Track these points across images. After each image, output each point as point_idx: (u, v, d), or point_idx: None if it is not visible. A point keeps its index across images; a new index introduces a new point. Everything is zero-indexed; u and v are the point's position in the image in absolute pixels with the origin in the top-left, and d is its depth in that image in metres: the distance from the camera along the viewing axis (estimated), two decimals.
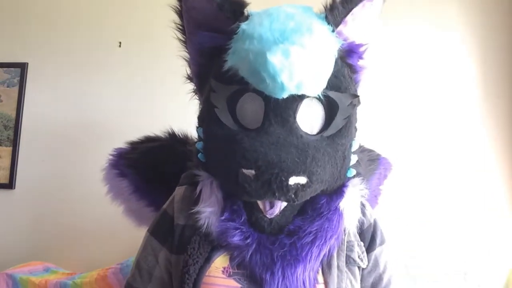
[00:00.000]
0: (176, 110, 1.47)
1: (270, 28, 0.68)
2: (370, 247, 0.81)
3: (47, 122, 1.72)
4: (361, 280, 0.80)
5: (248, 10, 0.74)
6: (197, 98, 0.88)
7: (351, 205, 0.75)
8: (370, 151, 1.15)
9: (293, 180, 0.64)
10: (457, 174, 1.54)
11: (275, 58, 0.64)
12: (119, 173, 1.00)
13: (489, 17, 1.61)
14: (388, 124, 1.57)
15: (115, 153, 1.02)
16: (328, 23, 0.71)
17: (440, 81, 1.60)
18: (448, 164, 1.55)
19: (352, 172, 0.77)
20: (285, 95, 0.67)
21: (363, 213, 0.81)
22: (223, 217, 0.72)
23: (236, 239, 0.70)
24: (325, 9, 0.73)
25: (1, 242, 1.67)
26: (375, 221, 0.84)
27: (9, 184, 1.68)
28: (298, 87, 0.66)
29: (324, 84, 0.70)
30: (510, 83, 1.58)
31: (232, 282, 0.71)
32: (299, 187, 0.65)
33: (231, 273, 0.71)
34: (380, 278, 0.82)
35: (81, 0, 1.78)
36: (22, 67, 1.75)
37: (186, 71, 0.87)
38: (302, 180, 0.65)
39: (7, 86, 1.75)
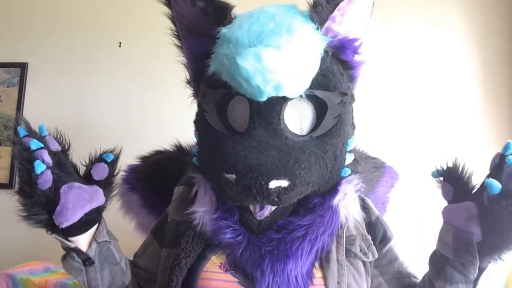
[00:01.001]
0: (176, 110, 1.47)
1: (248, 30, 0.67)
2: (385, 238, 0.80)
3: (47, 122, 1.71)
4: (383, 273, 0.79)
5: (233, 13, 0.73)
6: (196, 102, 0.88)
7: (346, 201, 0.74)
8: (374, 158, 1.14)
9: (274, 184, 0.62)
10: None
11: (246, 63, 0.63)
12: (130, 187, 1.02)
13: (489, 17, 1.61)
14: (385, 124, 1.57)
15: (128, 169, 1.03)
16: (312, 21, 0.69)
17: (440, 81, 1.59)
18: (447, 164, 1.54)
19: (347, 171, 0.76)
20: (264, 97, 0.66)
21: (364, 207, 0.79)
22: (215, 216, 0.72)
23: (227, 236, 0.70)
24: (309, 7, 0.71)
25: (1, 242, 1.67)
26: (380, 216, 0.82)
27: (9, 184, 1.68)
28: (276, 89, 0.65)
29: (307, 84, 0.68)
30: (510, 83, 1.58)
31: (229, 277, 0.71)
32: (281, 191, 0.63)
33: (228, 269, 0.72)
34: (403, 267, 0.81)
35: (81, 0, 1.78)
36: (22, 67, 1.75)
37: (185, 75, 0.87)
38: (284, 183, 0.63)
39: (7, 86, 1.75)
